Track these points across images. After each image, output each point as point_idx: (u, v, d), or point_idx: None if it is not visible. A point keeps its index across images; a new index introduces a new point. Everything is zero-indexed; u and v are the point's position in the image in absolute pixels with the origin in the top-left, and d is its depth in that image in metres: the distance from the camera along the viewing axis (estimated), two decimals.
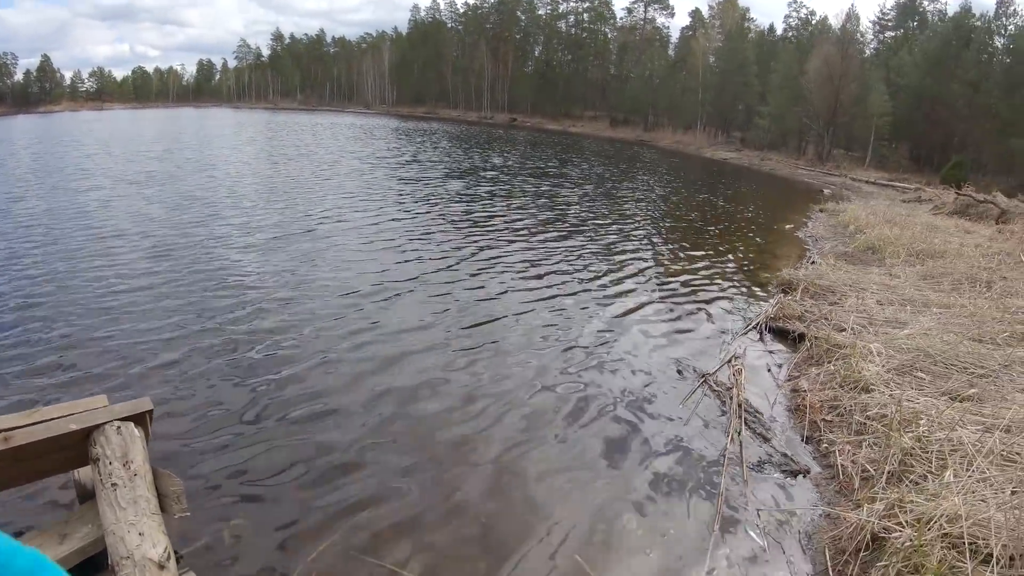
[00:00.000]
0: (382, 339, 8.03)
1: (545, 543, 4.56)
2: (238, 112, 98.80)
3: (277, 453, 5.37)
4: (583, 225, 17.57)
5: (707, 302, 11.05)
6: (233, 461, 5.21)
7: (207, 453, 5.30)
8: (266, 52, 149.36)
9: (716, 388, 7.34)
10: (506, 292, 10.44)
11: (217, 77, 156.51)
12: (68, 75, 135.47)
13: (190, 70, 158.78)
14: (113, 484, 3.23)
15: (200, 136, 44.27)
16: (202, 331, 7.90)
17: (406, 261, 11.95)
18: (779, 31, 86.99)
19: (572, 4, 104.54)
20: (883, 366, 7.24)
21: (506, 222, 16.85)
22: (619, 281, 11.90)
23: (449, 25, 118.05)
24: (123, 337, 7.52)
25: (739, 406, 6.76)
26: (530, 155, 41.95)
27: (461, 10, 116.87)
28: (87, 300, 8.77)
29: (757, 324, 9.68)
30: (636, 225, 18.50)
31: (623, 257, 14.01)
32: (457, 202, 19.81)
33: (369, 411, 6.21)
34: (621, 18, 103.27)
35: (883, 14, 76.82)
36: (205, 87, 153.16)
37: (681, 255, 14.88)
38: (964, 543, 3.96)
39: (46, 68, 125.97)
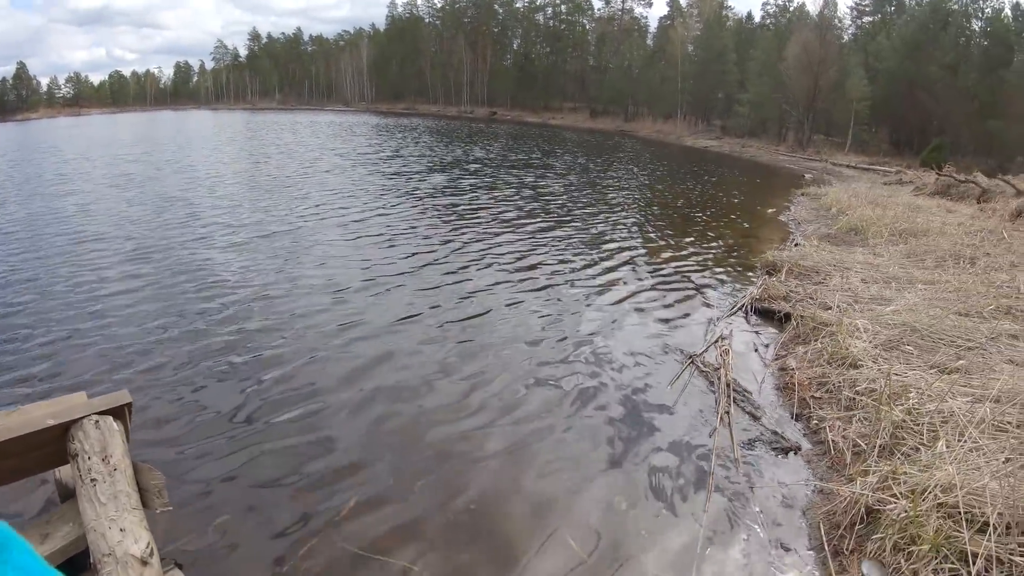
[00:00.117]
0: (371, 335, 7.89)
1: (536, 527, 4.49)
2: (217, 113, 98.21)
3: (265, 451, 5.25)
4: (569, 215, 17.49)
5: (693, 285, 11.01)
6: (220, 460, 5.09)
7: (194, 452, 5.17)
8: (243, 53, 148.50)
9: (704, 369, 7.28)
10: (495, 283, 10.32)
11: (195, 79, 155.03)
12: (44, 82, 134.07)
13: (167, 73, 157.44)
14: (92, 480, 3.13)
15: (179, 138, 43.84)
16: (187, 332, 7.73)
17: (393, 255, 11.79)
18: (757, 19, 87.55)
19: None
20: (870, 342, 7.21)
21: (492, 214, 16.73)
22: (606, 268, 11.84)
23: (427, 20, 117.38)
24: (106, 341, 7.34)
25: (727, 386, 6.70)
26: (512, 147, 41.88)
27: (438, 4, 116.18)
28: (69, 305, 8.57)
29: (743, 306, 9.64)
30: (621, 213, 18.45)
31: (609, 244, 13.95)
32: (442, 196, 19.66)
33: (359, 407, 6.08)
34: (599, 9, 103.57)
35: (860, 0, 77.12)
36: (183, 89, 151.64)
37: (666, 241, 14.85)
38: (960, 512, 3.91)
39: (22, 76, 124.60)
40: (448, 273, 10.78)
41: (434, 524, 4.45)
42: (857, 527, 4.29)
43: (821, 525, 4.49)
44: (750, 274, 11.94)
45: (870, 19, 76.04)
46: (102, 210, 15.59)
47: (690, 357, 7.59)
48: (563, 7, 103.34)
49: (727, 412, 6.20)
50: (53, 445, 3.36)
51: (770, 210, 20.67)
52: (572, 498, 4.87)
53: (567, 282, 10.70)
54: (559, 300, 9.70)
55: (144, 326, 7.87)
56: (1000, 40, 52.81)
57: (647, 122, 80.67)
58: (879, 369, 6.39)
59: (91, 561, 2.93)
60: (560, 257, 12.42)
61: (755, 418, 6.17)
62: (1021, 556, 3.65)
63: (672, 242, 14.69)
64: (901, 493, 4.25)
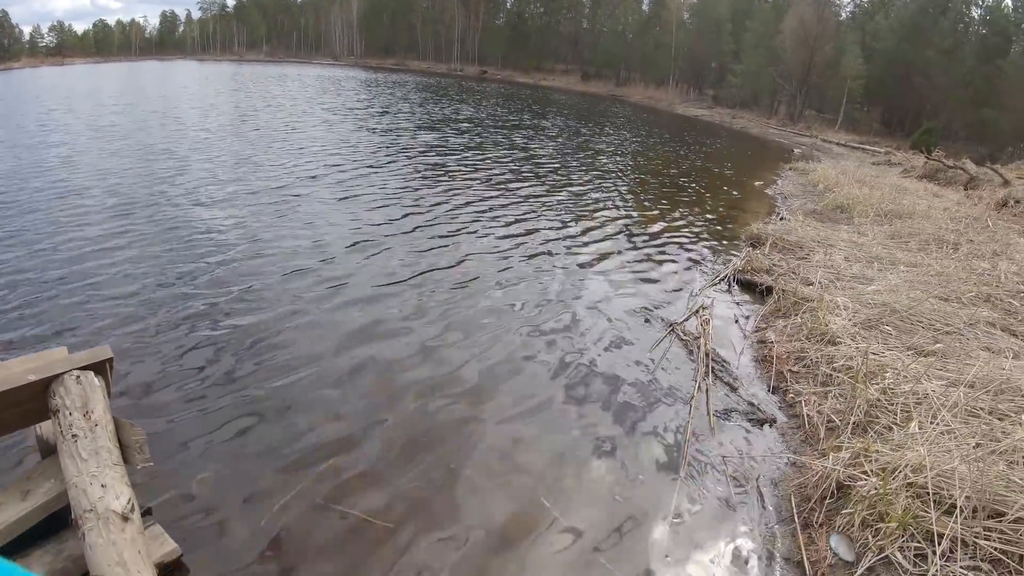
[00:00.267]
0: (358, 298, 7.77)
1: (514, 488, 4.53)
2: (203, 64, 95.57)
3: (245, 408, 5.21)
4: (559, 178, 17.34)
5: (676, 254, 11.04)
6: (201, 418, 5.04)
7: (174, 410, 5.11)
8: (231, 3, 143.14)
9: (684, 338, 7.31)
10: (483, 247, 10.22)
11: (181, 29, 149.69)
12: (27, 31, 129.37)
13: (153, 22, 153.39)
14: (74, 435, 3.09)
15: (164, 89, 42.46)
16: (170, 291, 7.55)
17: (382, 216, 11.59)
18: None
19: None
20: (850, 320, 7.28)
21: (481, 175, 16.54)
22: (592, 233, 11.81)
23: None
24: (88, 296, 7.18)
25: (706, 355, 6.74)
26: (503, 108, 41.41)
27: None
28: (50, 261, 8.31)
29: (725, 276, 9.67)
30: (610, 179, 18.33)
31: (597, 209, 13.89)
32: (431, 155, 19.32)
33: (341, 366, 6.05)
34: None
35: None
36: (169, 40, 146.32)
37: (652, 208, 14.80)
38: (928, 493, 3.98)
39: (4, 24, 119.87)
40: (435, 234, 10.66)
41: (412, 484, 4.47)
42: (827, 501, 4.36)
43: (792, 497, 4.55)
44: (734, 245, 11.96)
45: None
46: (85, 163, 15.06)
47: (671, 325, 7.62)
48: None
49: (705, 382, 6.25)
50: (34, 401, 3.31)
51: (757, 183, 20.65)
52: (547, 459, 4.90)
53: (554, 246, 10.66)
54: (545, 265, 9.66)
55: (127, 284, 7.70)
56: (999, 30, 52.77)
57: (639, 88, 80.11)
58: (857, 347, 6.45)
59: (72, 517, 2.92)
60: (548, 221, 12.34)
61: (733, 389, 6.22)
62: (986, 539, 3.72)
63: (658, 210, 14.65)
64: (872, 471, 4.32)
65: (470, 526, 4.14)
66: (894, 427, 4.96)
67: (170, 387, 5.46)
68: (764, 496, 4.65)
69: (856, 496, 4.19)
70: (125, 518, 2.85)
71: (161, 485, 4.18)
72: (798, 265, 9.81)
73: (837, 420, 5.39)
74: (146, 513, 3.53)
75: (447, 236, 10.49)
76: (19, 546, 3.30)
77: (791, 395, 6.08)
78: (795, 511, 4.40)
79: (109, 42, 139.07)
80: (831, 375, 6.11)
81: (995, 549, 3.66)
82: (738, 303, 8.81)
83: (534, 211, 13.03)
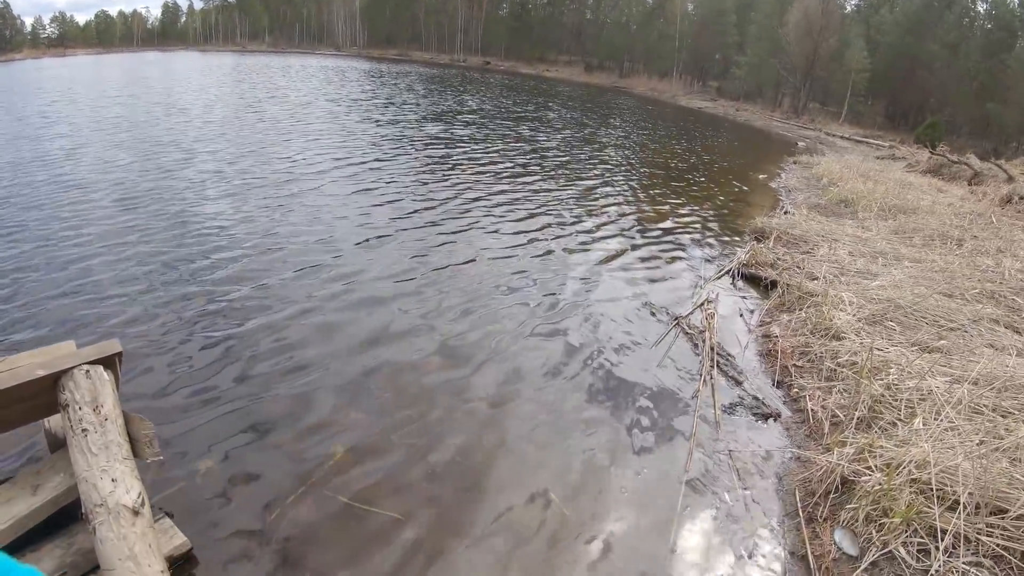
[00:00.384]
0: (364, 290, 7.75)
1: (520, 483, 4.55)
2: (206, 55, 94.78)
3: (254, 404, 5.22)
4: (564, 170, 17.28)
5: (682, 247, 11.05)
6: (208, 412, 5.04)
7: (181, 403, 5.13)
8: None
9: (688, 331, 7.33)
10: (491, 240, 10.20)
11: (183, 20, 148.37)
12: (29, 22, 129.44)
13: (155, 13, 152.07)
14: (84, 430, 3.10)
15: (168, 81, 41.98)
16: (175, 282, 7.54)
17: (387, 208, 11.55)
18: None
19: None
20: (854, 315, 7.29)
21: (487, 166, 16.50)
22: (599, 226, 11.78)
23: None
24: (93, 291, 7.14)
25: (711, 349, 6.77)
26: (507, 99, 41.22)
27: None
28: (54, 253, 8.27)
29: (730, 270, 9.69)
30: (615, 171, 18.29)
31: (602, 202, 13.85)
32: (436, 146, 19.23)
33: (348, 361, 6.03)
34: None
35: None
36: (171, 30, 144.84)
37: (657, 201, 14.78)
38: (932, 489, 4.00)
39: (5, 15, 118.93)
40: (441, 225, 10.64)
41: (420, 477, 4.49)
42: (832, 496, 4.38)
43: (797, 492, 4.58)
44: (738, 239, 11.96)
45: None
46: (89, 155, 14.93)
47: (676, 319, 7.64)
48: None
49: (710, 375, 6.27)
50: (43, 396, 3.32)
51: (761, 176, 20.62)
52: (555, 454, 4.92)
53: (560, 239, 10.64)
54: (551, 257, 9.67)
55: (132, 275, 7.68)
56: (1004, 24, 52.56)
57: (642, 79, 79.92)
58: (861, 343, 6.47)
59: (83, 511, 2.92)
60: (554, 213, 12.32)
61: (737, 383, 6.24)
62: (988, 536, 3.74)
63: (663, 203, 14.63)
64: (876, 466, 4.34)
65: (478, 519, 4.17)
66: (898, 423, 4.98)
67: (178, 381, 5.46)
68: (769, 490, 4.68)
69: (860, 491, 4.21)
70: (136, 512, 2.87)
71: (170, 479, 4.21)
72: (802, 259, 9.82)
73: (841, 415, 5.41)
74: (155, 507, 3.55)
75: (456, 232, 10.41)
76: (29, 540, 3.32)
77: (795, 390, 6.10)
78: (799, 505, 4.44)
79: (111, 33, 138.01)
80: (835, 370, 6.13)
81: (997, 545, 3.69)
82: (743, 297, 8.82)
83: (541, 204, 12.98)
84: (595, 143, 24.29)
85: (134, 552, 2.73)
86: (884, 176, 20.19)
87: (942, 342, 6.58)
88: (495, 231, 10.66)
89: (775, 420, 5.63)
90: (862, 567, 3.81)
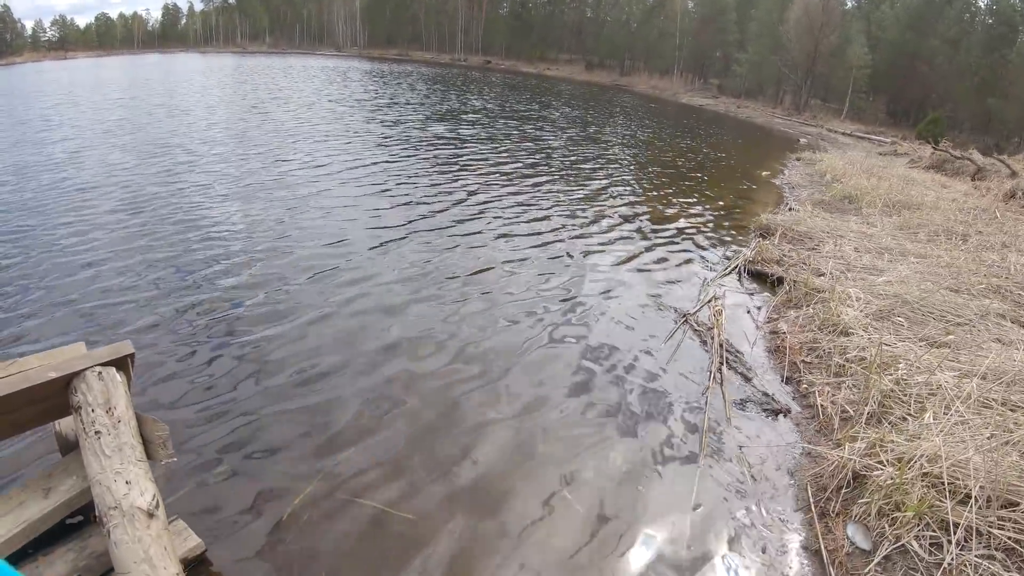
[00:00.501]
0: (377, 292, 7.71)
1: (534, 481, 4.57)
2: (206, 57, 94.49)
3: (267, 404, 5.23)
4: (571, 170, 17.23)
5: (687, 244, 11.05)
6: (218, 415, 5.04)
7: (191, 407, 5.12)
8: None
9: (697, 328, 7.33)
10: (499, 239, 10.18)
11: (183, 21, 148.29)
12: (29, 25, 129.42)
13: (155, 15, 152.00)
14: (97, 432, 3.07)
15: (169, 83, 41.81)
16: (184, 286, 7.50)
17: (395, 208, 11.52)
18: None
19: None
20: (861, 311, 7.30)
21: (493, 166, 16.47)
22: (605, 224, 11.78)
23: None
24: (100, 296, 7.10)
25: (720, 346, 6.77)
26: (509, 98, 41.19)
27: None
28: (61, 258, 8.22)
29: (736, 267, 9.69)
30: (621, 169, 18.27)
31: (610, 201, 13.82)
32: (442, 146, 19.19)
33: (364, 367, 6.00)
34: None
35: None
36: (171, 32, 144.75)
37: (663, 199, 14.76)
38: (944, 483, 4.02)
39: (6, 19, 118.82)
40: (451, 227, 10.59)
41: (434, 479, 4.50)
42: (843, 491, 4.39)
43: (809, 487, 4.59)
44: (743, 236, 11.96)
45: None
46: (94, 158, 14.89)
47: (684, 316, 7.65)
48: None
49: (719, 372, 6.28)
50: (55, 398, 3.28)
51: (764, 173, 20.58)
52: (568, 453, 4.93)
53: (567, 238, 10.63)
54: (559, 256, 9.65)
55: (140, 279, 7.64)
56: (1005, 20, 52.50)
57: (643, 77, 79.82)
58: (870, 338, 6.48)
59: (96, 514, 2.91)
60: (561, 213, 12.30)
61: (747, 379, 6.25)
62: (1000, 528, 3.75)
63: (669, 200, 14.62)
64: (888, 460, 4.36)
65: (491, 516, 4.19)
66: (908, 418, 4.99)
67: (190, 385, 5.47)
68: (781, 485, 4.69)
69: (872, 486, 4.22)
70: (150, 514, 2.85)
71: (180, 481, 4.22)
72: (808, 256, 9.83)
73: (851, 410, 5.42)
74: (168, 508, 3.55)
75: (468, 235, 10.31)
76: (41, 544, 3.31)
77: (804, 385, 6.10)
78: (812, 500, 4.45)
79: (111, 35, 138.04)
80: (844, 366, 6.13)
81: (1008, 538, 3.71)
82: (749, 293, 8.82)
83: (549, 204, 12.96)
84: (600, 142, 24.27)
85: (149, 555, 2.71)
86: (887, 172, 20.20)
87: (950, 337, 6.59)
88: (507, 234, 10.60)
89: (785, 416, 5.64)
90: (875, 561, 3.82)
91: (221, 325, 6.59)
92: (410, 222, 10.70)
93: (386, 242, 9.57)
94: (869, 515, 4.09)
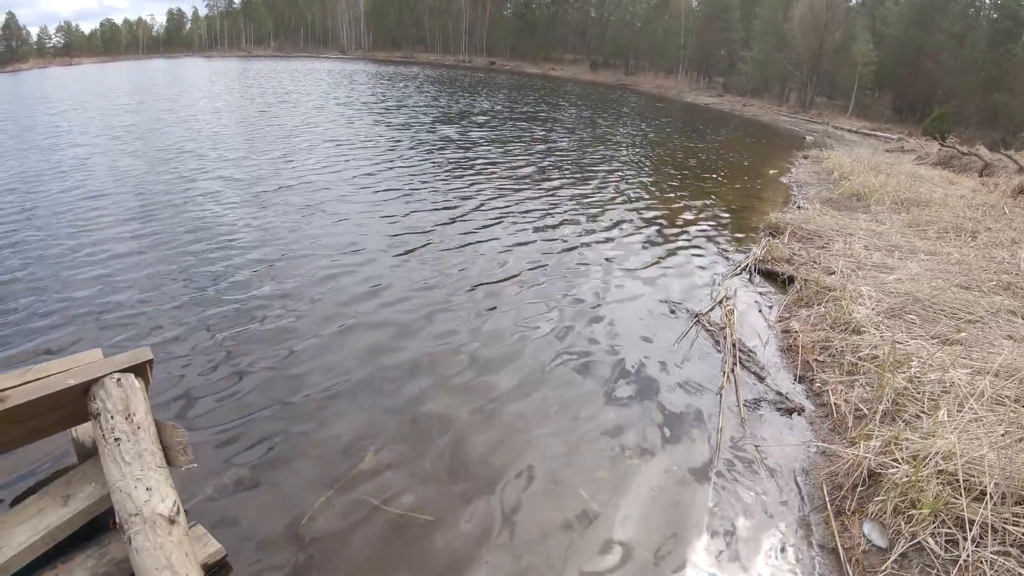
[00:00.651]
0: (393, 300, 7.67)
1: (551, 480, 4.60)
2: (211, 61, 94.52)
3: (284, 409, 5.27)
4: (583, 173, 17.15)
5: (697, 244, 11.06)
6: (236, 418, 5.09)
7: (209, 411, 5.17)
8: None
9: (709, 328, 7.34)
10: (515, 244, 10.16)
11: (188, 26, 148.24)
12: (34, 32, 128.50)
13: (160, 20, 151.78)
14: (116, 439, 3.10)
15: (176, 88, 41.82)
16: (197, 295, 7.48)
17: (410, 213, 11.48)
18: None
19: None
20: (873, 309, 7.30)
21: (507, 169, 16.46)
22: (618, 226, 11.79)
23: None
24: (113, 305, 7.08)
25: (733, 346, 6.78)
26: (517, 99, 41.18)
27: None
28: (72, 267, 8.23)
29: (747, 266, 9.69)
30: (631, 171, 18.20)
31: (620, 202, 13.84)
32: (454, 149, 19.19)
33: (382, 375, 5.98)
34: None
35: None
36: (176, 37, 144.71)
37: (673, 199, 14.76)
38: (959, 480, 4.02)
39: (11, 26, 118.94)
40: (468, 232, 10.56)
41: (452, 481, 4.53)
42: (859, 489, 4.40)
43: (824, 485, 4.60)
44: (753, 235, 11.95)
45: None
46: (103, 164, 14.92)
47: (696, 316, 7.66)
48: None
49: (733, 372, 6.29)
50: (73, 404, 3.31)
51: (772, 171, 20.53)
52: (584, 453, 4.96)
53: (582, 240, 10.62)
54: (576, 259, 9.67)
55: (152, 287, 7.63)
56: (1010, 14, 52.22)
57: (648, 76, 79.64)
58: (882, 336, 6.49)
59: (116, 520, 2.93)
60: (575, 216, 12.27)
61: (760, 378, 6.26)
62: (1015, 525, 3.76)
63: (678, 200, 14.62)
64: (903, 458, 4.36)
65: (507, 519, 4.21)
66: (922, 415, 5.00)
67: (208, 391, 5.50)
68: (796, 484, 4.71)
69: (888, 483, 4.23)
70: (172, 521, 2.87)
71: (198, 487, 4.24)
72: (818, 254, 9.83)
73: (864, 409, 5.43)
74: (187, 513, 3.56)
75: (483, 241, 10.23)
76: (60, 551, 3.32)
77: (818, 384, 6.11)
78: (827, 498, 4.46)
79: (116, 41, 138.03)
80: (857, 364, 6.14)
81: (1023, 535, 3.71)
82: (760, 293, 8.83)
83: (561, 206, 12.96)
84: (611, 143, 24.21)
85: (171, 561, 2.74)
86: (895, 169, 20.14)
87: (962, 334, 6.59)
88: (517, 234, 10.65)
89: (799, 415, 5.65)
90: (892, 559, 3.83)
91: (241, 335, 6.59)
92: (428, 229, 10.62)
93: (404, 251, 9.52)
94: (885, 513, 4.11)
